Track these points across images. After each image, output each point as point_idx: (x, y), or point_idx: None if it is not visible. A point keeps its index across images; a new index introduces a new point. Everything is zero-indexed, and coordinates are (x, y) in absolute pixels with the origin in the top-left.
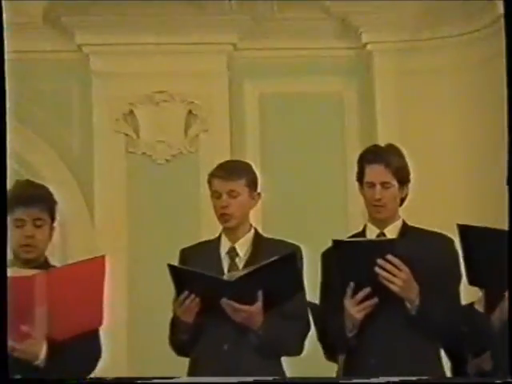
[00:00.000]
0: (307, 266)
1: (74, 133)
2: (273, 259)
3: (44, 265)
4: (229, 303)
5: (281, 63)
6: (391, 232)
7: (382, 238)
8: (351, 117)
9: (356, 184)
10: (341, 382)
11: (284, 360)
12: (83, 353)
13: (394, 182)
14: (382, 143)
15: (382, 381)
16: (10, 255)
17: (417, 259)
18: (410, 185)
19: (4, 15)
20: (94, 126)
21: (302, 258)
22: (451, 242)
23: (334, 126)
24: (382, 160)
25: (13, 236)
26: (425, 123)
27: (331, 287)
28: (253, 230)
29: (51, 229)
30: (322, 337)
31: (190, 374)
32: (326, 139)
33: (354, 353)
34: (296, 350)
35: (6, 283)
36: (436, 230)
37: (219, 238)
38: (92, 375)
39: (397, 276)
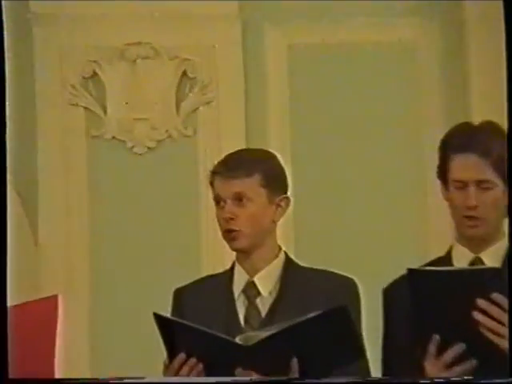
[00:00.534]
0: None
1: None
2: (314, 315)
3: None
4: (247, 374)
5: (317, 2)
6: (492, 257)
7: (480, 266)
8: (428, 79)
9: (437, 183)
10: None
11: None
12: None
13: (497, 181)
14: (476, 120)
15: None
16: None
17: None
18: None
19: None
20: (37, 98)
21: (358, 300)
22: None
23: (400, 93)
24: (478, 146)
25: None
26: None
27: (399, 339)
28: (282, 256)
29: None
30: None
31: None
32: (388, 113)
33: None
34: None
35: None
36: None
37: (232, 269)
38: None
39: (505, 325)
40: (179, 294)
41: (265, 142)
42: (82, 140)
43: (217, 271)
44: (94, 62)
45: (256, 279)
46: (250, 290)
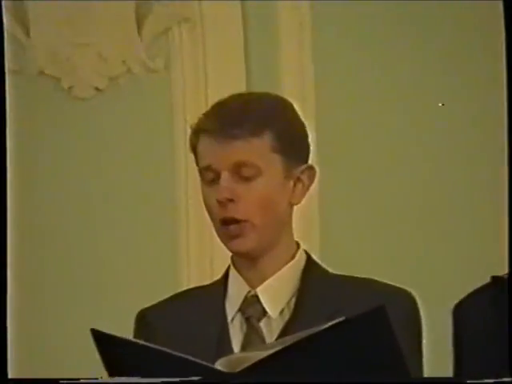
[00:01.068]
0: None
1: None
2: (336, 322)
3: None
4: None
5: None
6: None
7: None
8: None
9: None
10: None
11: None
12: None
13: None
14: None
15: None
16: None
17: None
18: None
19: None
20: None
21: (418, 321)
22: None
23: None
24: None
25: None
26: None
27: (480, 364)
28: (300, 257)
29: None
30: None
31: None
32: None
33: None
34: None
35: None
36: None
37: (225, 278)
38: None
39: None
40: (144, 318)
41: (273, 83)
42: None
43: (202, 283)
44: None
45: (260, 292)
46: (251, 307)
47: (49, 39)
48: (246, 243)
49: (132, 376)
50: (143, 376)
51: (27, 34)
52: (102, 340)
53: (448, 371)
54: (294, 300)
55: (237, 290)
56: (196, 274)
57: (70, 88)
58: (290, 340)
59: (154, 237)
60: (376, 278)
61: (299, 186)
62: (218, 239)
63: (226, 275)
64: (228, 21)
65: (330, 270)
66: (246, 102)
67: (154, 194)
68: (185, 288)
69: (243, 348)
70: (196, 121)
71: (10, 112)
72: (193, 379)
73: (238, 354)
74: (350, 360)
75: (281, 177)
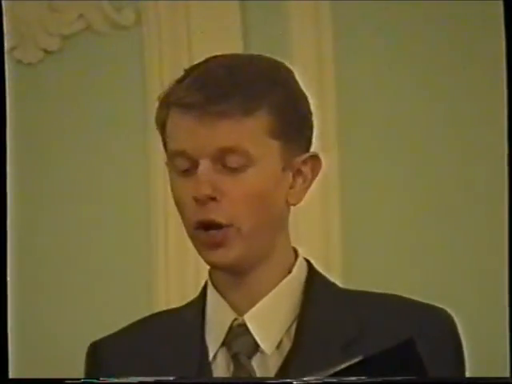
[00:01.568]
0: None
1: None
2: (356, 360)
3: None
4: None
5: None
6: None
7: None
8: None
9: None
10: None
11: None
12: None
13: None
14: None
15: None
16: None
17: None
18: None
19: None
20: None
21: (459, 347)
22: None
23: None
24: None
25: None
26: None
27: None
28: (302, 268)
29: None
30: None
31: None
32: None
33: None
34: None
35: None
36: None
37: (203, 297)
38: None
39: None
40: (96, 352)
41: (277, 39)
42: None
43: (174, 305)
44: None
45: (249, 319)
46: (239, 340)
47: None
48: (230, 254)
49: None
50: None
51: None
52: None
53: None
54: (294, 326)
55: (218, 317)
56: (176, 288)
57: (11, 50)
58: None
59: (131, 251)
60: (400, 294)
61: (299, 180)
62: None
63: (202, 295)
64: None
65: (337, 283)
66: (233, 67)
67: (125, 185)
68: (162, 306)
69: None
70: (166, 89)
71: None
72: (168, 379)
73: None
74: None
75: (278, 168)
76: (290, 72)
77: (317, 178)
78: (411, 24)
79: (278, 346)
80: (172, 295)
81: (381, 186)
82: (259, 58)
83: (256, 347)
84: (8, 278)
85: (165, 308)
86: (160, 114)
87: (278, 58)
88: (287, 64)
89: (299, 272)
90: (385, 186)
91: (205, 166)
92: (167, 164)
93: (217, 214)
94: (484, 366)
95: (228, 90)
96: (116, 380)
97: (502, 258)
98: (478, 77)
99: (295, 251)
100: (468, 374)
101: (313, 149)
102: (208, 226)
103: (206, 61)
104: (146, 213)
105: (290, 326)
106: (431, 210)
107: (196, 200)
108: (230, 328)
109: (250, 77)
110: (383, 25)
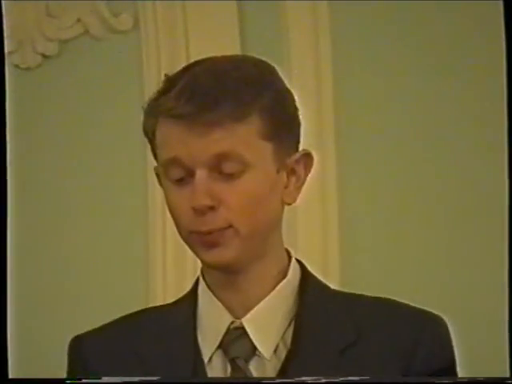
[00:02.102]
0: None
1: None
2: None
3: None
4: None
5: None
6: None
7: None
8: None
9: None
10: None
11: None
12: None
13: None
14: None
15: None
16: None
17: None
18: None
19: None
20: None
21: (451, 349)
22: None
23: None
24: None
25: None
26: None
27: None
28: (295, 270)
29: None
30: None
31: None
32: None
33: None
34: None
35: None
36: None
37: (193, 295)
38: None
39: None
40: (84, 346)
41: (273, 41)
42: None
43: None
44: None
45: (247, 322)
46: (237, 344)
47: None
48: (227, 253)
49: None
50: None
51: None
52: None
53: None
54: (290, 330)
55: (213, 319)
56: (174, 286)
57: (9, 54)
58: None
59: (127, 250)
60: (400, 294)
61: (293, 179)
62: None
63: (193, 293)
64: None
65: (332, 286)
66: (219, 73)
67: (124, 184)
68: (160, 300)
69: None
70: (150, 99)
71: None
72: (152, 379)
73: None
74: None
75: (272, 170)
76: (274, 71)
77: (315, 178)
78: (410, 24)
79: (276, 352)
80: (169, 293)
81: (379, 185)
82: (243, 60)
83: (253, 351)
84: (8, 278)
85: None
86: (147, 123)
87: (276, 58)
88: (276, 65)
89: (293, 274)
90: (383, 186)
91: (201, 175)
92: (159, 172)
93: (215, 224)
94: (484, 366)
95: (217, 98)
96: (116, 380)
97: (502, 258)
98: (478, 77)
99: (287, 252)
100: (468, 374)
101: (310, 148)
102: (201, 234)
103: (187, 68)
104: (143, 210)
105: (286, 329)
106: (430, 211)
107: (195, 210)
108: (227, 331)
109: (238, 83)
110: (381, 25)
